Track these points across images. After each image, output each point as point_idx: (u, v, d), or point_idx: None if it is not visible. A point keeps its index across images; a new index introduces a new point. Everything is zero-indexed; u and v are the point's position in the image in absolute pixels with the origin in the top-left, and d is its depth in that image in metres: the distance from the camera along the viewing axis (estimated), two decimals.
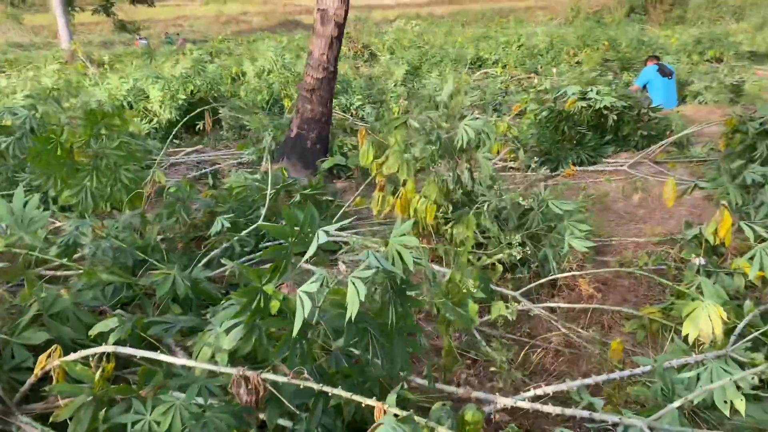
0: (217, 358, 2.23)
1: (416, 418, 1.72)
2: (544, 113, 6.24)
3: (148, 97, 7.84)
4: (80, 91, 8.54)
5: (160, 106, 7.64)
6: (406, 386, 2.44)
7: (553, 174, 5.74)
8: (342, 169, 5.90)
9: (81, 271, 3.16)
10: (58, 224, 3.95)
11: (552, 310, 3.37)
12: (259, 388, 1.95)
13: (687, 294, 3.20)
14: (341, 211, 4.25)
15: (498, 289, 3.41)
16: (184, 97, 7.77)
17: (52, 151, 3.86)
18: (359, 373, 2.26)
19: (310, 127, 5.66)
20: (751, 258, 3.08)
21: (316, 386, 1.89)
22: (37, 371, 2.25)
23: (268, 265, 3.72)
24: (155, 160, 5.83)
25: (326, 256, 3.79)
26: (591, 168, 5.93)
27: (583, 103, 6.04)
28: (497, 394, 2.45)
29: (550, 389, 2.41)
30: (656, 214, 4.76)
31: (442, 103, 3.82)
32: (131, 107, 7.77)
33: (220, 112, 7.50)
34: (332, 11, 5.36)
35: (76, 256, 3.41)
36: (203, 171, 6.06)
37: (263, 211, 3.95)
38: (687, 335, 2.63)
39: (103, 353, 2.23)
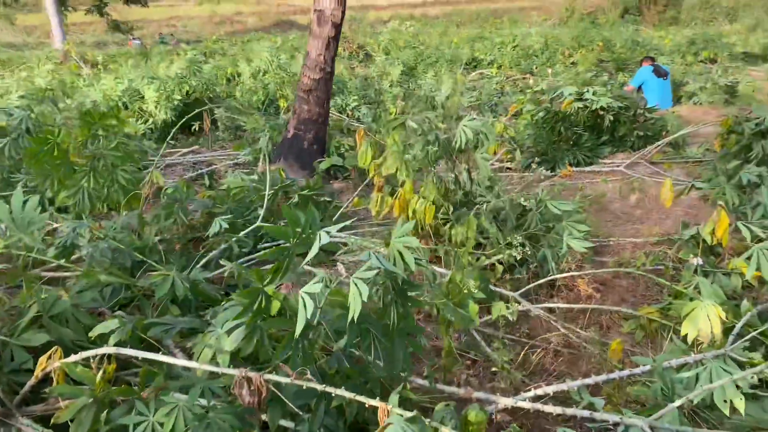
0: (219, 359, 2.23)
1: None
2: (541, 114, 6.26)
3: (143, 97, 7.82)
4: (75, 91, 8.51)
5: (156, 107, 7.62)
6: (411, 386, 2.45)
7: (550, 174, 5.76)
8: (339, 169, 5.90)
9: (79, 273, 3.15)
10: (55, 225, 3.93)
11: (551, 310, 3.38)
12: (261, 389, 1.94)
13: (685, 294, 3.22)
14: (339, 211, 4.25)
15: (497, 289, 3.41)
16: (179, 97, 7.74)
17: (49, 152, 3.85)
18: (360, 373, 2.27)
19: (307, 128, 5.65)
20: (749, 258, 3.09)
21: (319, 387, 1.89)
22: (38, 373, 2.24)
23: (267, 266, 3.73)
24: (152, 161, 5.82)
25: (326, 256, 3.79)
26: (587, 169, 5.95)
27: (580, 104, 6.07)
28: (498, 394, 2.45)
29: (550, 389, 2.41)
30: (653, 214, 4.78)
31: (440, 103, 3.82)
32: (126, 108, 7.74)
33: (216, 112, 7.48)
34: (329, 12, 5.36)
35: (73, 257, 3.40)
36: (199, 172, 6.05)
37: (261, 212, 3.95)
38: (686, 335, 2.64)
39: (103, 355, 2.23)
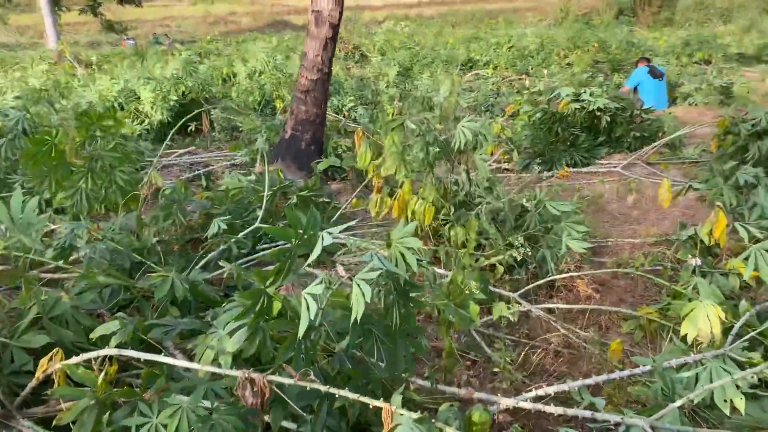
0: (221, 361, 2.22)
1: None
2: (538, 115, 6.27)
3: (139, 98, 7.80)
4: (70, 92, 8.48)
5: (152, 108, 7.60)
6: (412, 387, 2.46)
7: (549, 175, 5.77)
8: (336, 170, 5.90)
9: (78, 274, 3.14)
10: (52, 227, 3.92)
11: (550, 311, 3.39)
12: (264, 390, 1.94)
13: (684, 294, 3.23)
14: (338, 212, 4.25)
15: (496, 290, 3.42)
16: (175, 98, 7.73)
17: (47, 153, 3.83)
18: (362, 374, 2.27)
19: (305, 129, 5.65)
20: (746, 258, 3.11)
21: (323, 388, 1.89)
22: (39, 374, 2.23)
23: (267, 267, 3.73)
24: (149, 162, 5.81)
25: (325, 257, 3.78)
26: (584, 169, 5.96)
27: (577, 105, 6.08)
28: (499, 394, 2.46)
29: (551, 390, 2.42)
30: (650, 215, 4.80)
31: (439, 104, 3.82)
32: (122, 108, 7.72)
33: (212, 113, 7.47)
34: (327, 13, 5.36)
35: (71, 258, 3.39)
36: (196, 173, 6.04)
37: (260, 213, 3.94)
38: (686, 335, 2.65)
39: (104, 356, 2.23)
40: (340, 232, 2.11)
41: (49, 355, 2.23)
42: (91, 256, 3.17)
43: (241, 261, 3.72)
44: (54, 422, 2.04)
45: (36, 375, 2.24)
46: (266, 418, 2.13)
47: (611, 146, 6.39)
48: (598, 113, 6.21)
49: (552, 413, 2.18)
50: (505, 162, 6.09)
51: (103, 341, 2.46)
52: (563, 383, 2.47)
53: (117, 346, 2.33)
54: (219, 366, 2.16)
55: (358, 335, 2.09)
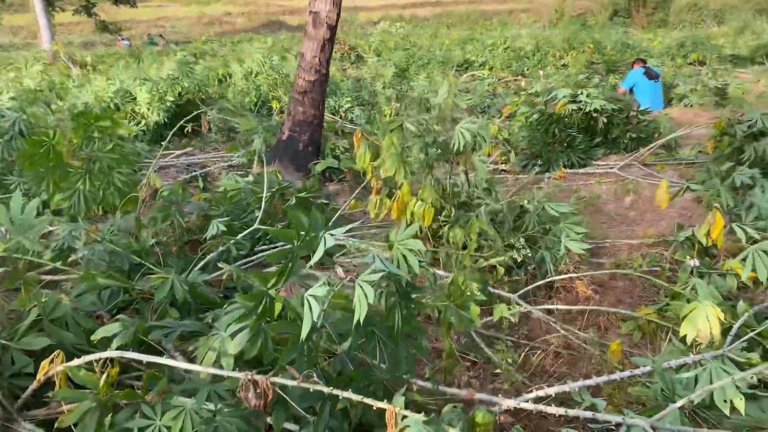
0: (223, 363, 2.22)
1: (416, 419, 1.73)
2: (535, 116, 6.29)
3: (135, 99, 7.78)
4: (65, 92, 8.45)
5: (148, 108, 7.58)
6: (414, 388, 2.46)
7: (547, 177, 5.79)
8: (334, 171, 5.90)
9: (77, 276, 3.13)
10: (50, 228, 3.90)
11: (549, 311, 3.40)
12: (268, 392, 1.94)
13: (682, 295, 3.25)
14: (337, 214, 4.25)
15: (495, 291, 3.43)
16: (172, 99, 7.71)
17: (45, 154, 3.82)
18: (364, 375, 2.27)
19: (302, 130, 5.65)
20: (744, 259, 3.13)
21: (326, 389, 1.90)
22: (40, 377, 2.23)
23: (266, 269, 3.73)
24: (147, 163, 5.80)
25: (324, 259, 3.79)
26: (581, 170, 5.98)
27: (574, 106, 6.10)
28: (500, 395, 2.47)
29: (552, 390, 2.43)
30: (647, 215, 4.82)
31: (438, 106, 3.83)
32: (118, 109, 7.70)
33: (209, 114, 7.46)
34: (324, 14, 5.36)
35: (69, 260, 3.38)
36: (193, 174, 6.02)
37: (259, 215, 3.94)
38: (685, 336, 2.66)
39: (105, 358, 2.22)
40: (343, 234, 2.11)
41: (51, 357, 2.23)
42: (90, 257, 3.16)
43: (240, 262, 3.72)
44: (56, 424, 2.03)
45: (37, 377, 2.23)
46: (268, 419, 2.13)
47: (608, 147, 6.42)
48: (595, 114, 6.23)
49: (553, 414, 2.18)
50: (502, 163, 6.11)
51: (103, 343, 2.46)
52: (564, 384, 2.48)
53: (118, 348, 2.32)
54: (221, 368, 2.16)
55: (361, 337, 2.09)
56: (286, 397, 1.99)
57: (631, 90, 8.88)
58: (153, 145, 7.29)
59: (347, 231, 2.15)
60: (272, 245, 3.98)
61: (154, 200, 4.09)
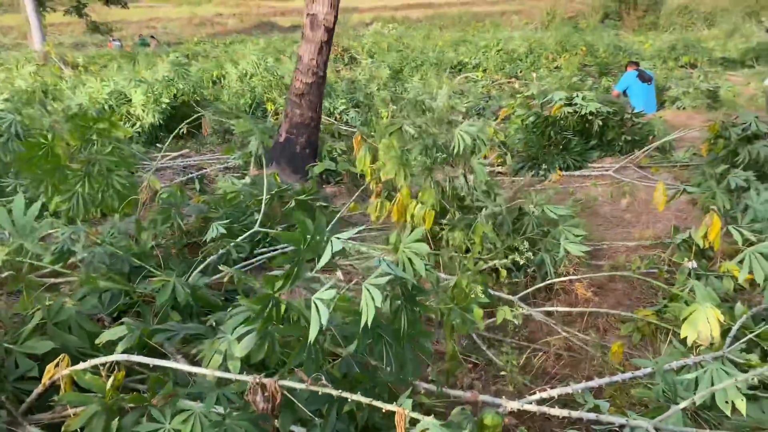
0: (229, 366, 2.23)
1: (433, 422, 1.74)
2: (531, 118, 6.32)
3: (130, 100, 7.75)
4: (59, 93, 8.40)
5: (143, 110, 7.56)
6: (421, 390, 2.47)
7: (544, 179, 5.83)
8: (331, 174, 5.91)
9: (78, 279, 3.13)
10: (49, 231, 3.88)
11: (549, 314, 3.42)
12: (276, 395, 1.95)
13: (680, 297, 3.28)
14: (336, 217, 4.26)
15: (496, 293, 3.45)
16: (167, 100, 7.69)
17: (43, 156, 3.80)
18: (369, 378, 2.28)
19: (300, 132, 5.65)
20: (740, 261, 3.16)
21: (335, 392, 1.90)
22: (45, 380, 2.22)
23: (265, 271, 3.73)
24: (143, 165, 5.78)
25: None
26: (577, 173, 6.02)
27: (569, 109, 6.14)
28: (503, 397, 2.48)
29: (555, 392, 2.44)
30: (643, 217, 4.86)
31: (438, 108, 3.85)
32: (113, 111, 7.66)
33: (205, 116, 7.44)
34: (322, 16, 5.37)
35: (68, 262, 3.37)
36: (190, 176, 6.01)
37: (259, 217, 3.94)
38: (685, 337, 2.69)
39: (110, 362, 2.22)
40: (347, 237, 2.12)
41: (56, 360, 2.22)
42: (90, 260, 3.15)
43: (239, 265, 3.72)
44: (63, 428, 2.03)
45: (42, 381, 2.22)
46: (275, 422, 2.13)
47: (603, 150, 6.46)
48: (590, 117, 6.27)
49: (557, 416, 2.20)
50: (498, 165, 6.13)
51: (105, 346, 2.45)
52: (566, 386, 2.50)
53: (123, 352, 2.32)
54: (227, 371, 2.17)
55: (368, 339, 2.10)
56: (294, 400, 2.00)
57: (624, 92, 8.94)
58: (148, 146, 7.27)
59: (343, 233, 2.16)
60: (272, 248, 3.98)
61: (153, 202, 4.09)
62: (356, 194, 4.57)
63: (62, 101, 7.37)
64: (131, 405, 2.12)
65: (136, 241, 3.67)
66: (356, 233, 4.10)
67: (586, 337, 3.19)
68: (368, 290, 1.93)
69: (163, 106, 7.62)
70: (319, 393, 1.93)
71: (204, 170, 6.20)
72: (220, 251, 3.70)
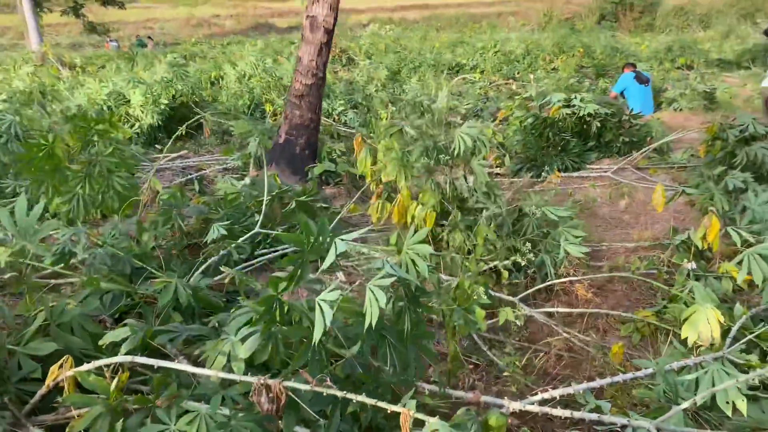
0: (233, 367, 2.23)
1: (442, 423, 1.75)
2: (530, 120, 6.34)
3: (128, 101, 7.74)
4: (57, 94, 8.39)
5: (142, 111, 7.55)
6: (425, 391, 2.48)
7: (539, 180, 5.85)
8: (330, 175, 5.91)
9: (79, 280, 3.13)
10: (50, 232, 3.88)
11: (549, 314, 3.43)
12: (280, 396, 1.96)
13: (680, 297, 3.30)
14: (337, 218, 4.27)
15: (496, 294, 3.46)
16: (166, 101, 7.69)
17: (43, 158, 3.80)
18: (372, 379, 2.29)
19: (299, 133, 5.66)
20: (739, 263, 3.18)
21: (339, 393, 1.91)
22: (49, 382, 2.22)
23: (265, 272, 3.73)
24: (143, 166, 5.78)
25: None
26: (575, 174, 6.04)
27: (567, 110, 6.16)
28: (506, 398, 2.49)
29: (557, 393, 2.46)
30: (641, 219, 4.88)
31: (438, 110, 3.86)
32: (112, 112, 7.66)
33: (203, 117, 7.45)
34: (321, 18, 5.38)
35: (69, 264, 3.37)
36: (189, 177, 6.01)
37: (259, 218, 3.95)
38: (686, 338, 2.71)
39: (115, 363, 2.22)
40: (351, 240, 2.13)
41: (60, 362, 2.23)
42: (92, 261, 3.15)
43: (240, 266, 3.72)
44: (67, 430, 2.03)
45: (46, 382, 2.23)
46: (279, 423, 2.14)
47: (601, 151, 6.49)
48: (588, 119, 6.30)
49: (559, 416, 2.21)
50: (497, 167, 6.15)
51: (108, 348, 2.46)
52: (567, 386, 2.51)
53: (126, 353, 2.32)
54: (230, 372, 2.17)
55: (372, 340, 2.11)
56: (299, 401, 2.01)
57: (621, 94, 8.97)
58: (147, 147, 7.26)
59: (347, 234, 2.16)
60: (273, 249, 3.99)
61: (154, 204, 4.09)
62: (356, 195, 4.57)
63: (60, 102, 7.35)
64: (135, 406, 2.13)
65: (137, 243, 3.68)
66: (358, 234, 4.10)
67: (587, 338, 3.20)
68: (372, 291, 1.94)
69: (162, 107, 7.62)
70: (324, 394, 1.94)
71: (203, 171, 6.20)
72: (221, 252, 3.71)
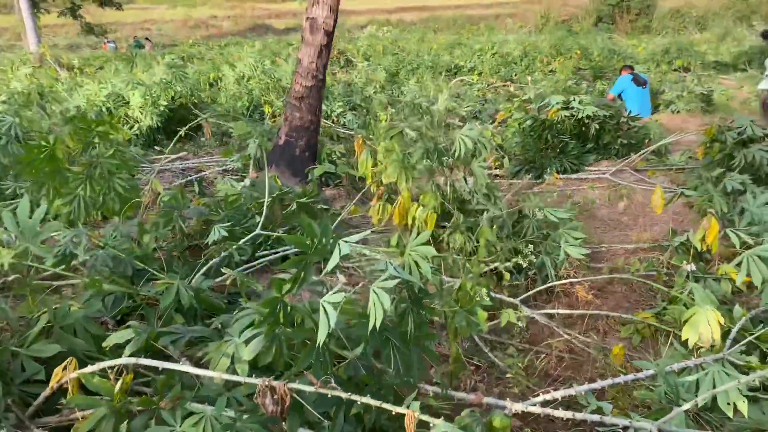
0: (237, 369, 2.24)
1: (449, 424, 1.77)
2: (528, 122, 6.36)
3: (127, 103, 7.74)
4: (56, 96, 8.38)
5: (141, 113, 7.55)
6: (429, 393, 2.49)
7: (538, 182, 5.86)
8: (330, 176, 5.92)
9: (81, 282, 3.13)
10: (51, 233, 3.88)
11: (550, 316, 3.45)
12: (285, 398, 1.96)
13: (679, 299, 3.31)
14: (338, 220, 4.28)
15: (497, 296, 3.47)
16: (165, 103, 7.69)
17: (44, 159, 3.80)
18: (375, 380, 2.30)
19: (299, 135, 5.67)
20: (738, 264, 3.20)
21: (344, 395, 1.92)
22: (53, 384, 2.23)
23: (266, 274, 3.74)
24: (142, 168, 5.78)
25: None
26: (574, 176, 6.06)
27: (566, 113, 6.19)
28: (508, 399, 2.50)
29: (558, 394, 2.47)
30: (640, 220, 4.90)
31: (437, 112, 3.88)
32: (111, 113, 7.66)
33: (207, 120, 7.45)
34: (321, 20, 5.39)
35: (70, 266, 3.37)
36: (189, 178, 6.02)
37: (260, 220, 3.95)
38: (686, 339, 2.72)
39: (119, 365, 2.23)
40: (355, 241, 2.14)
41: (64, 364, 2.23)
42: (93, 263, 3.15)
43: (241, 267, 3.73)
44: None
45: (50, 384, 2.23)
46: (283, 425, 2.15)
47: (599, 153, 6.51)
48: (587, 121, 6.32)
49: (560, 417, 2.22)
50: (496, 168, 6.17)
51: (111, 350, 2.46)
52: (569, 388, 2.52)
53: (130, 355, 2.33)
54: (234, 373, 2.18)
55: (376, 342, 2.12)
56: (303, 402, 2.01)
57: (619, 96, 9.00)
58: (146, 149, 7.26)
59: (348, 236, 2.17)
60: (273, 250, 3.99)
61: (155, 205, 4.09)
62: (356, 197, 4.58)
63: (59, 103, 7.34)
64: (139, 408, 2.14)
65: (139, 244, 3.68)
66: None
67: (588, 340, 3.21)
68: (377, 293, 1.95)
69: (161, 108, 7.62)
70: (328, 395, 1.95)
71: (203, 173, 6.21)
72: (223, 254, 3.71)
